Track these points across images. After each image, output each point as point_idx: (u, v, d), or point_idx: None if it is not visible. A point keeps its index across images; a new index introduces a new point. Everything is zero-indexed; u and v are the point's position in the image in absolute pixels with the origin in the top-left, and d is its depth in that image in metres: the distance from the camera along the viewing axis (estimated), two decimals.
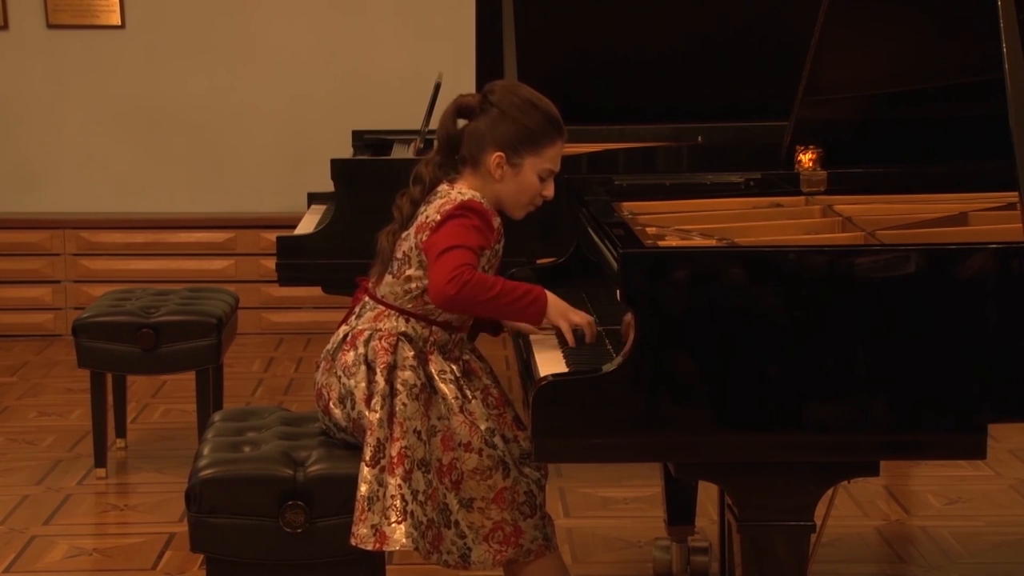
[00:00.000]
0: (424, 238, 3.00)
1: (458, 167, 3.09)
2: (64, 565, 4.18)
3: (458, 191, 3.04)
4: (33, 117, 7.33)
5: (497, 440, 3.04)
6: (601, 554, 4.20)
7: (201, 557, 3.43)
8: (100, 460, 4.90)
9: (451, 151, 3.09)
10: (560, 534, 3.36)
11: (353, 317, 3.12)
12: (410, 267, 3.03)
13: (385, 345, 3.01)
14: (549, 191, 3.09)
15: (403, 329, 3.04)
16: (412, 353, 3.01)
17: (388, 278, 3.07)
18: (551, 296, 2.99)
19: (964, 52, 3.41)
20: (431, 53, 6.91)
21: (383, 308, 3.07)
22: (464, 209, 2.98)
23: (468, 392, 3.06)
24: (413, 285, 3.03)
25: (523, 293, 2.96)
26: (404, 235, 3.06)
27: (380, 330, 3.04)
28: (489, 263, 3.05)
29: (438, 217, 2.99)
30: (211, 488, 3.03)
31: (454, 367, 3.07)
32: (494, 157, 3.02)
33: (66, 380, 6.22)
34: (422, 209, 3.06)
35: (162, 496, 4.72)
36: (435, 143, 3.13)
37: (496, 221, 3.05)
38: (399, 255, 3.06)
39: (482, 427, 3.03)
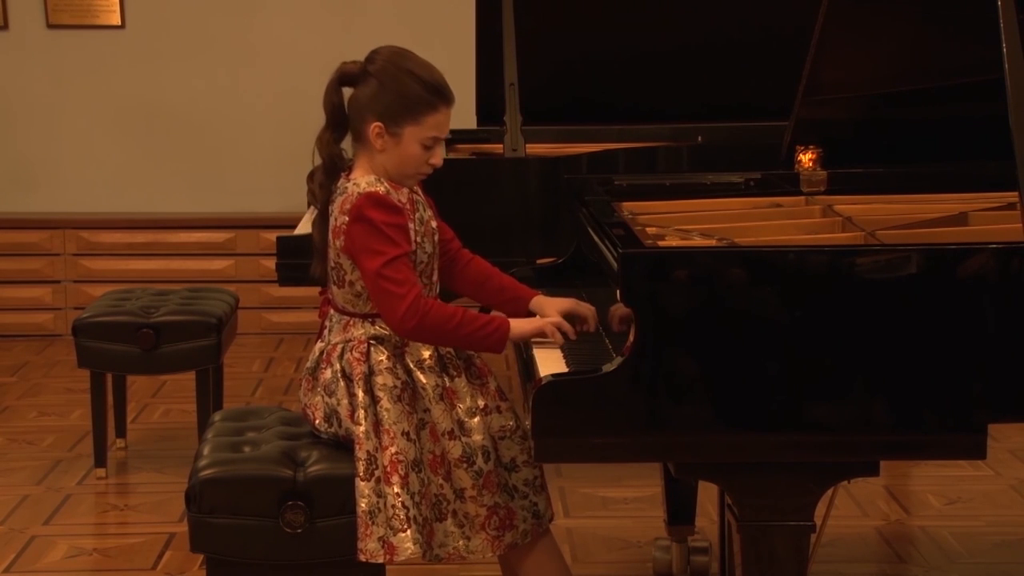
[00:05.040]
0: (342, 244, 2.99)
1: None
2: (64, 565, 4.18)
3: (353, 183, 3.00)
4: (33, 117, 7.33)
5: (476, 421, 3.02)
6: (601, 554, 4.20)
7: (201, 557, 3.43)
8: (100, 460, 4.90)
9: (339, 123, 3.05)
10: (560, 534, 3.36)
11: (326, 332, 3.12)
12: (347, 273, 3.02)
13: (357, 355, 3.01)
14: (436, 159, 3.04)
15: (372, 332, 3.02)
16: (386, 355, 3.01)
17: (336, 289, 3.07)
18: (515, 323, 3.00)
19: (964, 52, 3.41)
20: (431, 53, 6.88)
21: (348, 318, 3.06)
22: (366, 207, 2.93)
23: (452, 370, 3.04)
24: (359, 288, 3.02)
25: (485, 322, 2.97)
26: (327, 239, 3.04)
27: (351, 340, 3.04)
28: (420, 234, 3.02)
29: (345, 218, 2.97)
30: (211, 488, 3.03)
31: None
32: (373, 127, 2.98)
33: (66, 380, 6.22)
34: (330, 208, 3.04)
35: (162, 496, 4.72)
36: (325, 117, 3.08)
37: (404, 194, 3.01)
38: (332, 264, 3.04)
39: (461, 408, 3.02)
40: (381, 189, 2.98)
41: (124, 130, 7.35)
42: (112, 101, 7.33)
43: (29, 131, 7.34)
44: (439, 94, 3.00)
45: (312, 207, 3.14)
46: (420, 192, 3.10)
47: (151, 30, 7.29)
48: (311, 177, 3.08)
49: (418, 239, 3.02)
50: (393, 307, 2.92)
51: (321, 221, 3.07)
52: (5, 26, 7.26)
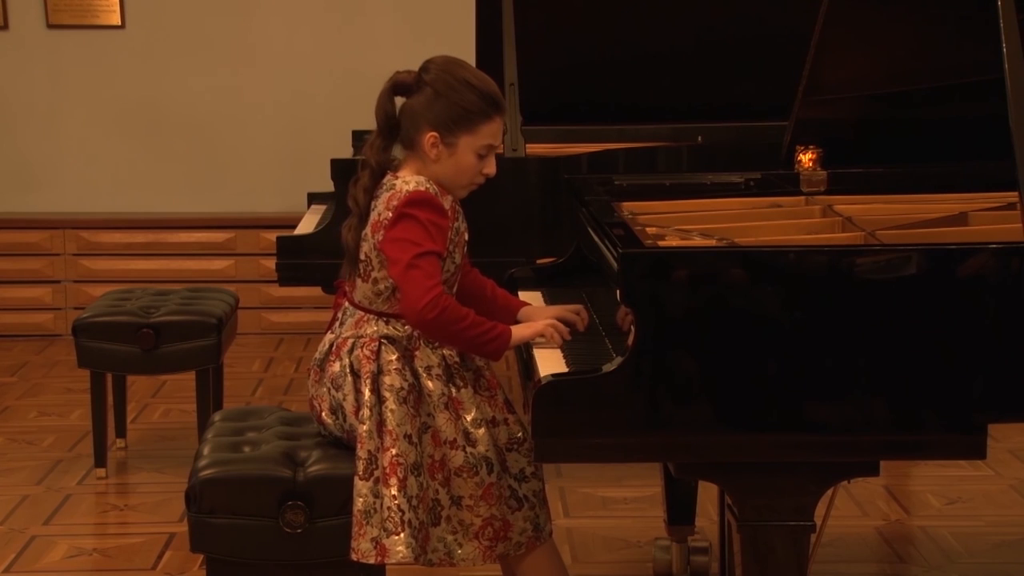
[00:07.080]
0: (380, 238, 2.99)
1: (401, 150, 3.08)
2: (64, 565, 4.18)
3: (403, 180, 3.01)
4: (33, 117, 7.33)
5: (481, 433, 3.02)
6: (601, 554, 4.20)
7: (201, 557, 3.43)
8: (100, 460, 4.90)
9: (391, 131, 3.06)
10: (560, 534, 3.35)
11: (337, 324, 3.12)
12: (374, 270, 3.03)
13: (367, 352, 3.01)
14: (490, 168, 3.06)
15: (385, 332, 3.03)
16: (396, 356, 3.01)
17: (359, 283, 3.07)
18: (515, 329, 3.01)
19: (964, 52, 3.41)
20: (431, 53, 6.83)
21: (362, 313, 3.07)
22: (413, 204, 2.95)
23: (458, 380, 3.04)
24: (382, 287, 3.03)
25: (489, 327, 2.97)
26: (363, 234, 3.05)
27: (363, 336, 3.04)
28: (453, 243, 3.03)
29: (389, 214, 2.98)
30: (211, 488, 3.03)
31: (444, 353, 3.04)
32: (428, 137, 2.99)
33: (66, 380, 6.22)
34: (373, 204, 3.04)
35: (162, 496, 4.72)
36: (375, 124, 3.09)
37: (448, 201, 3.02)
38: (362, 256, 3.05)
39: (468, 418, 3.02)
40: (431, 189, 2.99)
41: (124, 130, 7.35)
42: (112, 101, 7.33)
43: (29, 131, 7.34)
44: (493, 103, 3.02)
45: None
46: (459, 204, 3.11)
47: (151, 30, 7.29)
48: (355, 181, 3.08)
49: (450, 247, 3.02)
50: (418, 296, 2.91)
51: (358, 224, 3.06)
52: (5, 26, 7.26)
